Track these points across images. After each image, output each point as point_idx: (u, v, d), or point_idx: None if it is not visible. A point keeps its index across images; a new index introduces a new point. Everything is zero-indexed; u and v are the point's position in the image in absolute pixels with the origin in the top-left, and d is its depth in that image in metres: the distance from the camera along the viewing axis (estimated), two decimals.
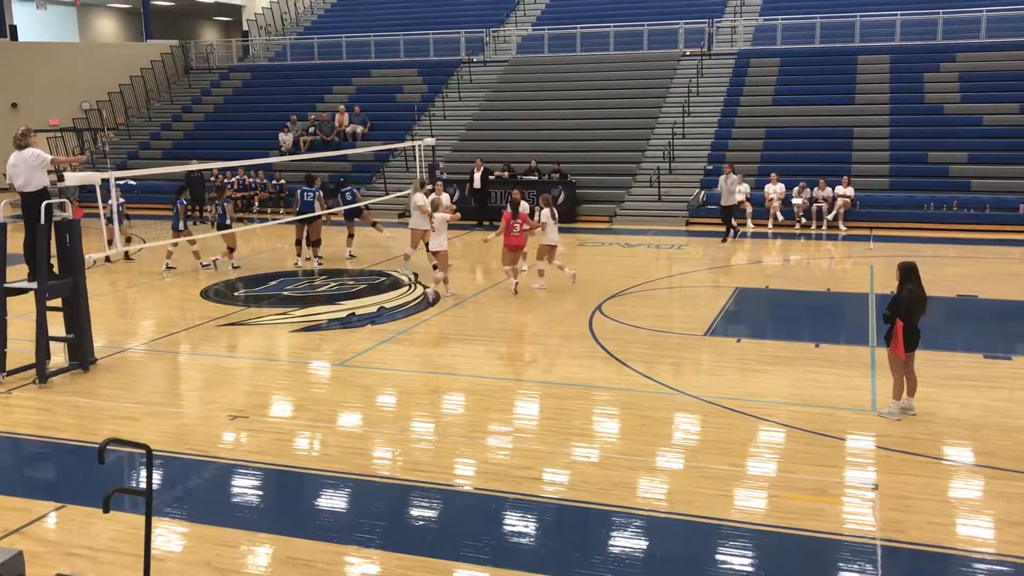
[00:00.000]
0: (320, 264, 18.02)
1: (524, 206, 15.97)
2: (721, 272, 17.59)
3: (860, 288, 15.87)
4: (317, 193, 17.95)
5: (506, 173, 25.42)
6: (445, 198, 16.86)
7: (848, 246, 20.73)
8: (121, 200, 17.78)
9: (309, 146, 29.32)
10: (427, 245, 15.67)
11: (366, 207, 20.00)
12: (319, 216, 17.94)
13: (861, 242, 20.85)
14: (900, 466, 7.98)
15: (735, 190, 21.06)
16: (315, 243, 18.11)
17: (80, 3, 42.14)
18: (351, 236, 19.22)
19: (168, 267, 17.86)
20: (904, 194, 23.29)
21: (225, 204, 18.03)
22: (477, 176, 24.27)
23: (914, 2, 30.25)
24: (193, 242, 17.89)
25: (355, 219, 19.25)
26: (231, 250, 17.77)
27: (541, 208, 15.62)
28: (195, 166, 19.56)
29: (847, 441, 8.57)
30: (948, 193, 22.93)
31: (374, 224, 19.99)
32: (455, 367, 11.37)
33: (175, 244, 17.61)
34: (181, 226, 17.61)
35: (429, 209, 15.63)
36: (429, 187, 17.37)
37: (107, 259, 18.33)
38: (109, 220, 14.55)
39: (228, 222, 17.70)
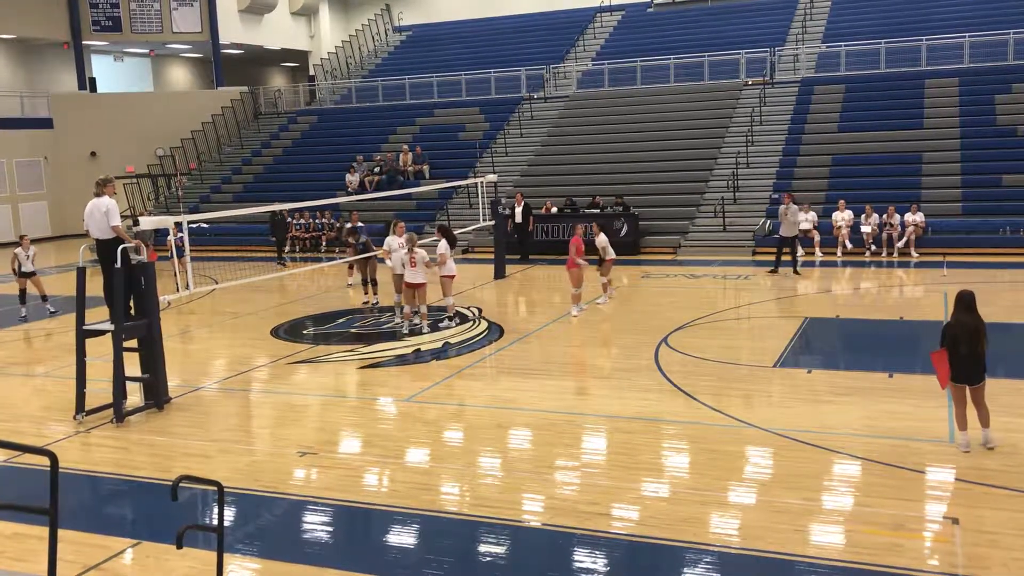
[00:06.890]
0: (376, 303, 18.06)
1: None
2: (790, 302, 17.30)
3: (934, 316, 15.43)
4: None
5: (567, 208, 25.58)
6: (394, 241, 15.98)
7: (920, 273, 20.22)
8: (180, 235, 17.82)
9: (375, 186, 29.81)
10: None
11: None
12: (373, 255, 18.10)
13: (934, 268, 20.33)
14: (982, 499, 7.70)
15: (797, 220, 20.17)
16: (372, 282, 18.33)
17: (154, 54, 43.74)
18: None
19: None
20: (978, 219, 22.68)
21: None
22: (518, 210, 24.54)
23: (983, 23, 29.67)
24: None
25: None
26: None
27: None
28: (276, 207, 20.05)
29: (925, 474, 8.32)
30: None
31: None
32: (521, 401, 11.35)
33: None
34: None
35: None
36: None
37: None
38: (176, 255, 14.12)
39: None
